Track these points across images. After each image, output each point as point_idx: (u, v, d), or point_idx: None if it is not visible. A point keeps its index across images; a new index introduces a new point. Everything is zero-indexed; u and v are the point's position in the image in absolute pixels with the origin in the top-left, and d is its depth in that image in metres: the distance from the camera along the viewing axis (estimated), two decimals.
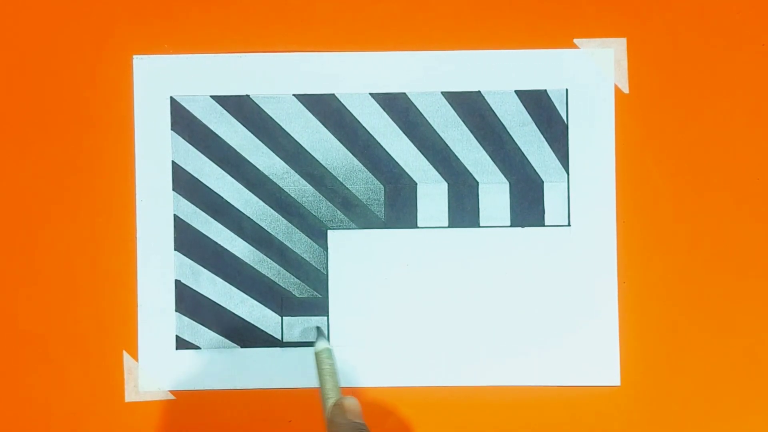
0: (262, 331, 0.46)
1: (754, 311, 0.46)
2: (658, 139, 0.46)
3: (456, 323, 0.46)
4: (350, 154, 0.46)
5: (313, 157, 0.46)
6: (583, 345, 0.46)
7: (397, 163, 0.46)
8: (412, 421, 0.46)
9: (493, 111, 0.46)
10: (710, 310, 0.46)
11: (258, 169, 0.46)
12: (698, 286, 0.46)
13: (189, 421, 0.46)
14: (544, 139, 0.46)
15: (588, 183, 0.46)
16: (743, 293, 0.46)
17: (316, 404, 0.46)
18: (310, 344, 0.46)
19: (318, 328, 0.45)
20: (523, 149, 0.46)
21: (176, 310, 0.46)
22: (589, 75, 0.46)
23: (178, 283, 0.46)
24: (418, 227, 0.46)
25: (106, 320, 0.46)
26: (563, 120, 0.46)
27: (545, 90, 0.46)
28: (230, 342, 0.46)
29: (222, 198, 0.46)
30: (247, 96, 0.46)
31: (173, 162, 0.46)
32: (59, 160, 0.46)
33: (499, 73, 0.46)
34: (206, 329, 0.46)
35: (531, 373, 0.45)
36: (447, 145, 0.46)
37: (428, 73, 0.46)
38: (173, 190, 0.46)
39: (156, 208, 0.46)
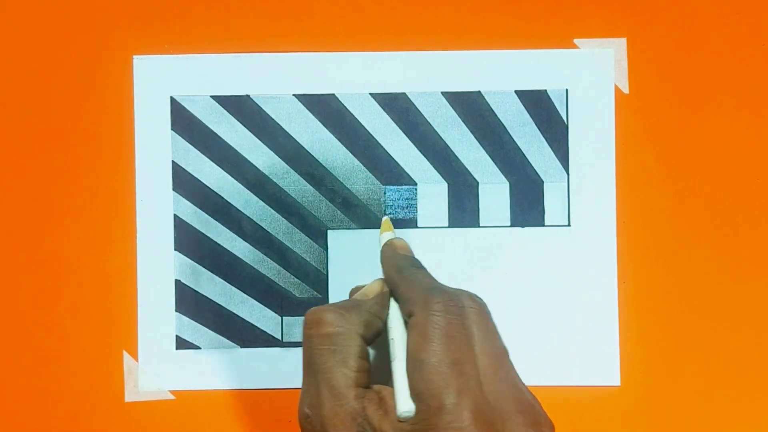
0: (262, 331, 0.46)
1: (755, 311, 0.46)
2: (658, 139, 0.46)
3: None
4: (350, 154, 0.46)
5: (313, 157, 0.46)
6: (583, 345, 0.46)
7: (397, 163, 0.46)
8: None
9: (493, 111, 0.46)
10: (710, 309, 0.46)
11: (258, 169, 0.46)
12: (698, 286, 0.46)
13: (189, 421, 0.46)
14: (544, 139, 0.46)
15: (588, 183, 0.46)
16: (743, 293, 0.46)
17: None
18: None
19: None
20: (523, 149, 0.46)
21: (176, 310, 0.46)
22: (589, 75, 0.46)
23: (178, 283, 0.46)
24: (419, 227, 0.46)
25: (106, 320, 0.46)
26: (563, 120, 0.46)
27: (545, 90, 0.46)
28: (230, 342, 0.46)
29: (222, 198, 0.46)
30: (247, 96, 0.46)
31: (173, 162, 0.46)
32: (59, 160, 0.46)
33: (499, 73, 0.46)
34: (206, 329, 0.46)
35: (531, 373, 0.45)
36: (447, 145, 0.46)
37: (428, 73, 0.46)
38: (173, 190, 0.46)
39: (156, 208, 0.46)
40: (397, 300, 0.36)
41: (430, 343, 0.32)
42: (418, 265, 0.38)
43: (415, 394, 0.32)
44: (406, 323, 0.35)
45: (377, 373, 0.36)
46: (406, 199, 0.46)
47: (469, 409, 0.31)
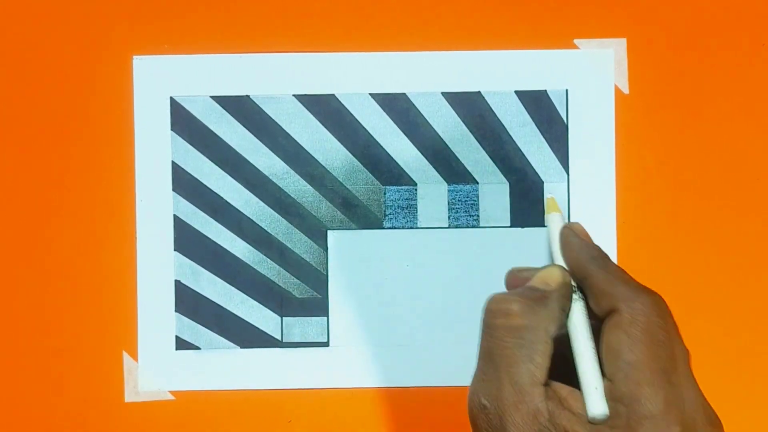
0: (262, 331, 0.46)
1: (755, 310, 0.46)
2: (658, 139, 0.46)
3: (456, 323, 0.46)
4: (350, 154, 0.46)
5: (313, 157, 0.46)
6: None
7: (397, 163, 0.46)
8: (412, 421, 0.46)
9: (493, 111, 0.46)
10: (710, 309, 0.46)
11: (258, 169, 0.46)
12: (698, 286, 0.46)
13: (189, 421, 0.46)
14: (544, 140, 0.46)
15: (588, 183, 0.46)
16: (744, 292, 0.46)
17: (315, 404, 0.46)
18: (310, 344, 0.46)
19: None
20: (523, 149, 0.46)
21: (176, 310, 0.46)
22: (589, 75, 0.46)
23: (178, 283, 0.46)
24: (419, 227, 0.46)
25: (106, 320, 0.46)
26: (563, 120, 0.46)
27: (545, 90, 0.46)
28: (230, 342, 0.46)
29: (222, 198, 0.46)
30: (247, 96, 0.46)
31: (173, 162, 0.46)
32: (59, 160, 0.46)
33: (499, 73, 0.46)
34: (206, 329, 0.46)
35: None
36: (447, 145, 0.46)
37: (428, 73, 0.46)
38: (173, 190, 0.46)
39: (156, 208, 0.46)
40: (584, 291, 0.34)
41: (638, 345, 0.30)
42: (609, 257, 0.35)
43: (617, 396, 0.30)
44: (592, 318, 0.33)
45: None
46: (406, 199, 0.46)
47: (677, 423, 0.29)
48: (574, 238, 0.35)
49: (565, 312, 0.33)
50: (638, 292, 0.32)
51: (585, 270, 0.34)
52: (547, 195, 0.39)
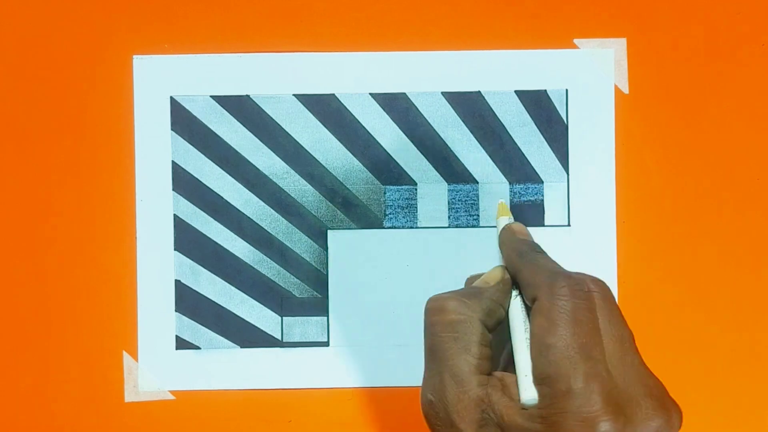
0: (262, 331, 0.46)
1: (755, 310, 0.46)
2: (658, 139, 0.46)
3: None
4: (350, 154, 0.46)
5: (313, 157, 0.46)
6: None
7: (397, 163, 0.46)
8: (411, 421, 0.46)
9: (493, 111, 0.46)
10: (710, 309, 0.46)
11: (258, 169, 0.46)
12: (698, 286, 0.46)
13: (189, 421, 0.46)
14: (544, 139, 0.46)
15: (588, 183, 0.46)
16: (743, 292, 0.46)
17: (315, 404, 0.46)
18: (310, 344, 0.46)
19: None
20: (523, 149, 0.46)
21: (176, 310, 0.46)
22: (589, 75, 0.46)
23: (178, 283, 0.46)
24: (419, 227, 0.46)
25: (106, 320, 0.46)
26: (563, 120, 0.46)
27: (545, 90, 0.46)
28: (230, 342, 0.46)
29: (222, 198, 0.46)
30: (247, 96, 0.46)
31: (173, 162, 0.46)
32: (59, 160, 0.46)
33: (499, 73, 0.46)
34: (206, 329, 0.46)
35: None
36: (447, 145, 0.46)
37: (428, 73, 0.46)
38: (173, 190, 0.46)
39: (156, 208, 0.46)
40: (518, 285, 0.36)
41: (556, 328, 0.32)
42: (538, 250, 0.37)
43: (541, 379, 0.31)
44: (528, 309, 0.35)
45: (496, 360, 0.36)
46: (406, 199, 0.46)
47: (599, 393, 0.30)
48: (508, 237, 0.38)
49: (504, 307, 0.35)
50: (556, 278, 0.33)
51: (513, 265, 0.36)
52: (498, 200, 0.41)
